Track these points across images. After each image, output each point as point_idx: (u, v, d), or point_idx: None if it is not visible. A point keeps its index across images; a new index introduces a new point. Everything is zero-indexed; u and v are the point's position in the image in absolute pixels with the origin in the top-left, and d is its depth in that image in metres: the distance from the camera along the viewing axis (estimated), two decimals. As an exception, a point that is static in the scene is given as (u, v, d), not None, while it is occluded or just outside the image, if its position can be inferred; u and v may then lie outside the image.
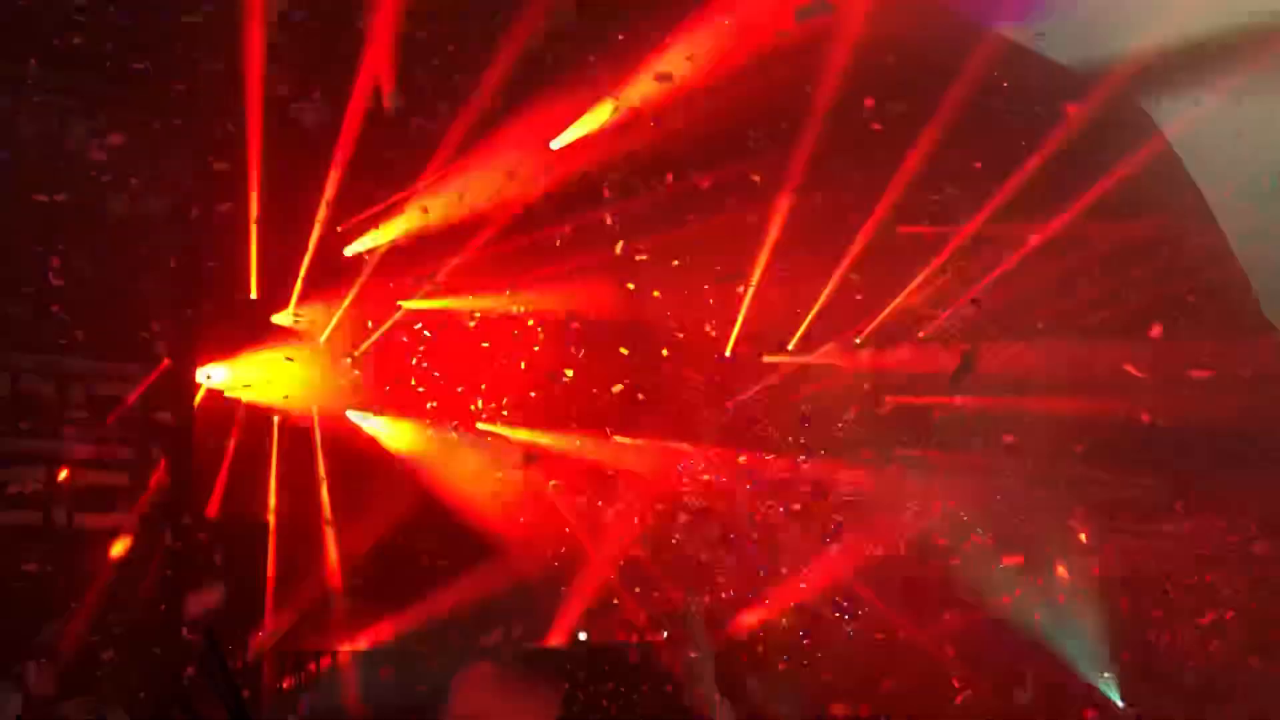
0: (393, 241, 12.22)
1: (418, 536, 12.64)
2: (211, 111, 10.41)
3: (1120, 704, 14.12)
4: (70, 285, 10.51)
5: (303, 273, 11.98)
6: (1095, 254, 13.03)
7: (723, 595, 14.46)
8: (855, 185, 12.28)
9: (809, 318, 14.15)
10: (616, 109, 11.04)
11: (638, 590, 14.64)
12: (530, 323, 13.73)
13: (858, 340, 14.70)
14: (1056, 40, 10.35)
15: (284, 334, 12.83)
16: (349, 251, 12.28)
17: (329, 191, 11.17)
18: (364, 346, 13.23)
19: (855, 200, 12.56)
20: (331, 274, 12.41)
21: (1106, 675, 14.38)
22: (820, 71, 10.24)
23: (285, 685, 11.67)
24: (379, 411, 13.38)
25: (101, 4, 9.52)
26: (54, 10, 9.19)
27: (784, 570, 14.65)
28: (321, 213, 11.34)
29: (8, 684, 8.74)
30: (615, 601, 14.86)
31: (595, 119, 11.38)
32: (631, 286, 13.43)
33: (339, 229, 11.69)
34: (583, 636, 14.78)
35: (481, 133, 11.07)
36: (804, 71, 10.32)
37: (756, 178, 12.26)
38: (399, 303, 12.96)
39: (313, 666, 11.96)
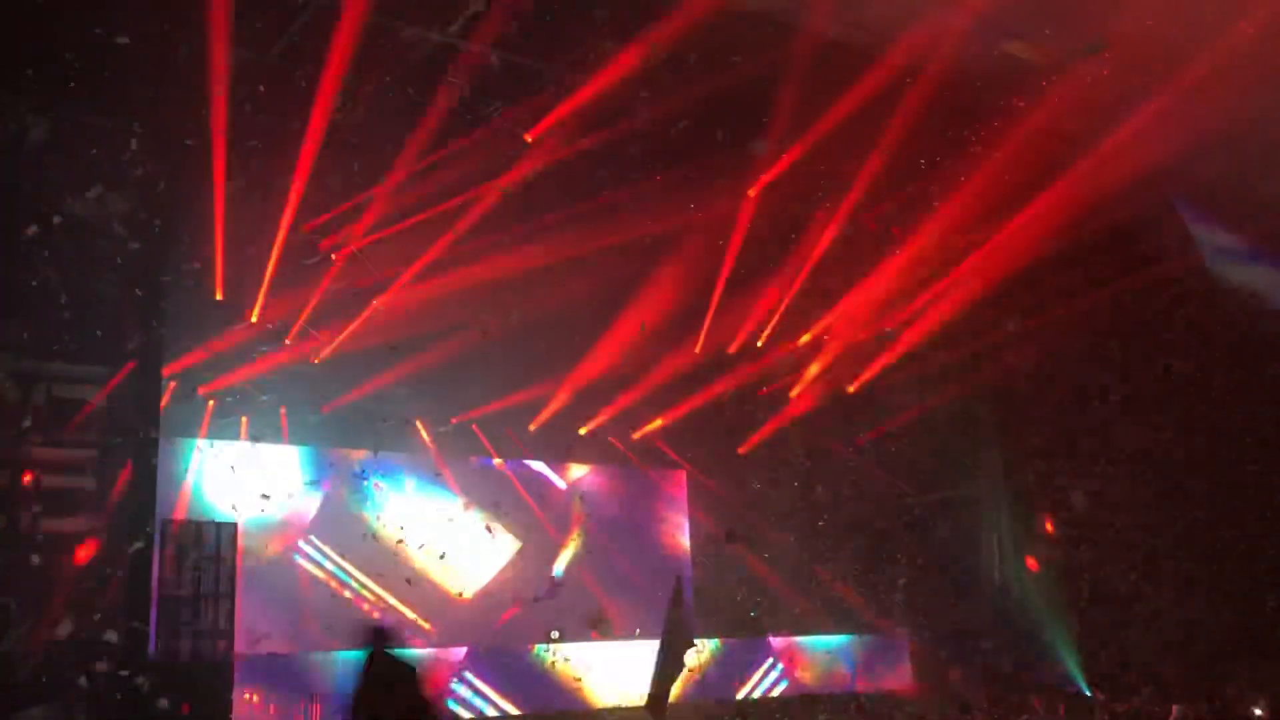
0: (360, 240, 12.20)
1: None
2: (176, 112, 10.32)
3: (1087, 692, 14.30)
4: (35, 288, 10.41)
5: (269, 274, 11.95)
6: None
7: None
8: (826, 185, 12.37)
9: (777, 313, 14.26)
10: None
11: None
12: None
13: (825, 337, 14.84)
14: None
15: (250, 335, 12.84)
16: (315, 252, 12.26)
17: (295, 192, 11.11)
18: (331, 346, 13.24)
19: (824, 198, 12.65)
20: (298, 274, 12.40)
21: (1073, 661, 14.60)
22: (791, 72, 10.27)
23: None
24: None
25: (63, 6, 9.40)
26: (14, 12, 9.08)
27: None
28: (287, 213, 11.29)
29: None
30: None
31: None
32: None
33: (303, 229, 11.65)
34: (555, 634, 14.87)
35: (452, 129, 11.05)
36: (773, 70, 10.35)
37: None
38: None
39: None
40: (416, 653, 13.40)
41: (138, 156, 10.61)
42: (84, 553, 10.38)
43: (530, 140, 11.12)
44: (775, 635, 15.75)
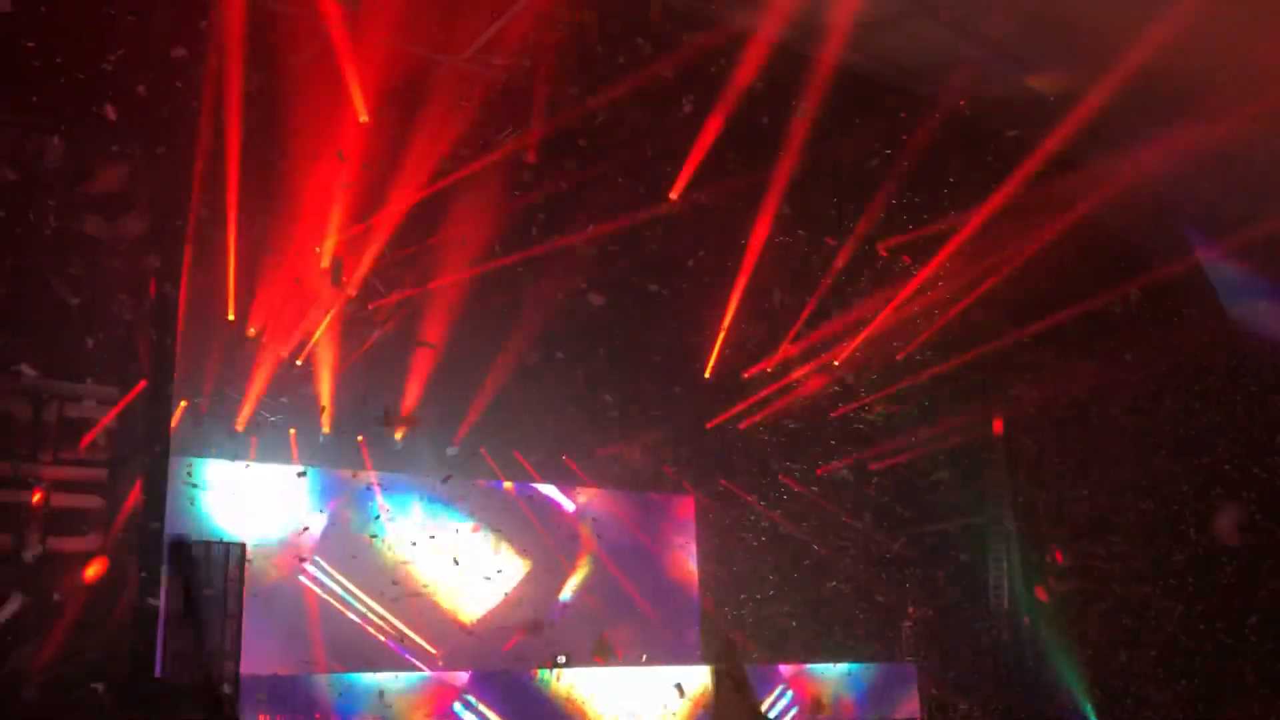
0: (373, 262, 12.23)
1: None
2: (191, 134, 10.38)
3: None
4: (47, 307, 10.44)
5: (280, 295, 11.97)
6: None
7: None
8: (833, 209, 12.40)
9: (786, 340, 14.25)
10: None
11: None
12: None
13: (835, 363, 14.82)
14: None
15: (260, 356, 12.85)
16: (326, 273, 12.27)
17: (306, 213, 11.16)
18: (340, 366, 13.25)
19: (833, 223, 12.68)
20: (310, 295, 12.42)
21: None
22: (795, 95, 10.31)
23: None
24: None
25: (78, 24, 9.48)
26: (31, 34, 9.16)
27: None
28: (298, 234, 11.33)
29: None
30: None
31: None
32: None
33: (315, 250, 11.67)
34: (562, 660, 14.78)
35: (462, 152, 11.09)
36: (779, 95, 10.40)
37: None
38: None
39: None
40: (420, 676, 13.37)
41: (152, 177, 10.65)
42: (92, 572, 10.36)
43: (535, 163, 11.19)
44: (784, 663, 15.65)
